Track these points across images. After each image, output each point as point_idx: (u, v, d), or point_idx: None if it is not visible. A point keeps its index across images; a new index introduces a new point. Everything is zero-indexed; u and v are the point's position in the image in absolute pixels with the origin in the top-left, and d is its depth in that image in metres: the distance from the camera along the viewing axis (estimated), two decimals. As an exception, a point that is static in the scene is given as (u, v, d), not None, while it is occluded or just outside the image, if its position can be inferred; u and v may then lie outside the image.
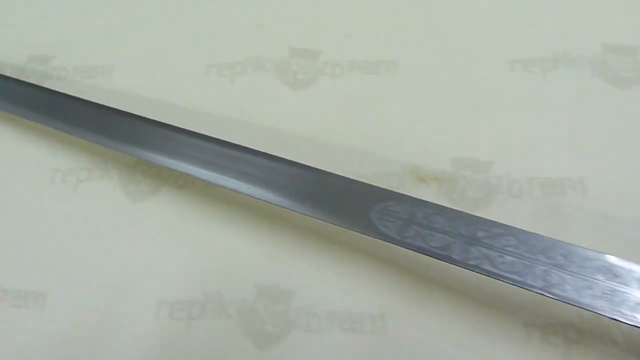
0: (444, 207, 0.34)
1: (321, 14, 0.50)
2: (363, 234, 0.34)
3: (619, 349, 0.36)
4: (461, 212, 0.34)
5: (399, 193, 0.35)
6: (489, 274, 0.32)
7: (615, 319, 0.29)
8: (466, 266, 0.33)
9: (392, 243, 0.33)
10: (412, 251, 0.33)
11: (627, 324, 0.29)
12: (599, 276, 0.30)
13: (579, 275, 0.31)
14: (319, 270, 0.40)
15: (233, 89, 0.48)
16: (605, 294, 0.30)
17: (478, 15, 0.47)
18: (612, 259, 0.31)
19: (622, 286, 0.30)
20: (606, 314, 0.29)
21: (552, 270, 0.31)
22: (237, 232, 0.42)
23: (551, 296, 0.31)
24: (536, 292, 0.31)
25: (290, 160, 0.38)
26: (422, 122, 0.44)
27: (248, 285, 0.40)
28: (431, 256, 0.33)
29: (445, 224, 0.34)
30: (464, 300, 0.38)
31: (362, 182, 0.36)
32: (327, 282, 0.39)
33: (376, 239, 0.34)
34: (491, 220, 0.33)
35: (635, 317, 0.29)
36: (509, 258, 0.32)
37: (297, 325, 0.39)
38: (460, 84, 0.45)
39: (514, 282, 0.32)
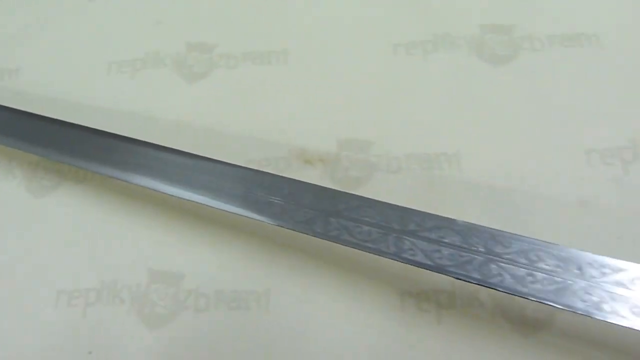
0: (309, 184, 0.36)
1: (217, 9, 0.51)
2: (238, 214, 0.36)
3: (486, 311, 0.38)
4: (325, 188, 0.35)
5: (269, 173, 0.37)
6: (347, 243, 0.34)
7: (461, 279, 0.31)
8: (328, 238, 0.34)
9: (265, 222, 0.35)
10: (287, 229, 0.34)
11: (473, 283, 0.30)
12: (449, 239, 0.32)
13: (429, 241, 0.33)
14: (207, 253, 0.41)
15: (133, 84, 0.49)
16: (453, 256, 0.32)
17: (361, 5, 0.49)
18: (462, 223, 0.32)
19: (468, 249, 0.32)
20: (453, 275, 0.31)
21: (404, 237, 0.33)
22: (131, 222, 0.43)
23: (402, 261, 0.33)
24: (389, 258, 0.33)
25: (176, 150, 0.39)
26: (310, 107, 0.46)
27: (142, 271, 0.41)
28: (296, 230, 0.34)
29: (311, 200, 0.36)
30: (343, 273, 0.39)
31: (236, 165, 0.38)
32: (216, 264, 0.41)
33: (256, 221, 0.35)
34: (350, 193, 0.35)
35: (476, 276, 0.31)
36: (365, 228, 0.34)
37: (187, 305, 0.40)
38: (347, 69, 0.47)
39: (370, 250, 0.33)
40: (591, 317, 0.29)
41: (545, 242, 0.31)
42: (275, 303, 0.39)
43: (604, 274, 0.30)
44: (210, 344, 0.39)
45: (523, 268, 0.31)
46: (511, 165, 0.41)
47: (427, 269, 0.32)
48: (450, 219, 0.32)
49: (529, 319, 0.37)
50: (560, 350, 0.36)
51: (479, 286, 0.35)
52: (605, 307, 0.29)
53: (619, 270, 0.29)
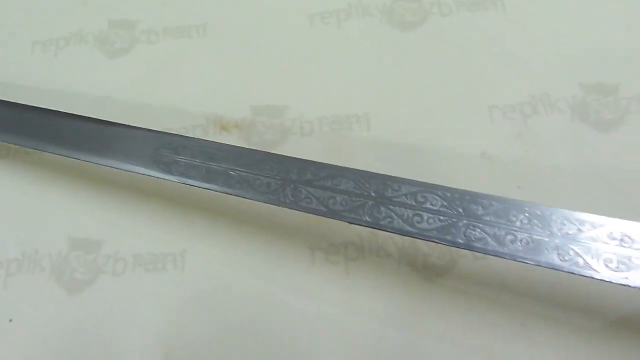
0: (215, 142, 0.37)
1: (139, -14, 0.53)
2: (147, 175, 0.37)
3: (393, 260, 0.39)
4: (234, 146, 0.36)
5: (175, 134, 0.38)
6: (247, 195, 0.35)
7: (354, 223, 0.32)
8: (230, 191, 0.35)
9: (172, 181, 0.36)
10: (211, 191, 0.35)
11: (364, 226, 0.32)
12: (344, 187, 0.33)
13: (325, 189, 0.34)
14: (126, 219, 0.42)
15: (57, 62, 0.50)
16: (346, 202, 0.33)
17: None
18: (355, 171, 0.34)
19: (360, 195, 0.33)
20: (346, 220, 0.33)
21: (301, 187, 0.34)
22: (51, 193, 0.44)
23: (299, 209, 0.34)
24: (287, 208, 0.34)
25: (87, 117, 0.40)
26: (227, 77, 0.47)
27: (62, 240, 0.42)
28: (198, 186, 0.35)
29: (220, 157, 0.37)
30: (256, 231, 0.41)
31: (144, 129, 0.39)
32: (134, 230, 0.42)
33: (172, 184, 0.36)
34: (254, 150, 0.36)
35: (367, 219, 0.33)
36: (265, 180, 0.35)
37: (105, 270, 0.41)
38: (264, 40, 0.48)
39: (269, 201, 0.35)
40: (471, 250, 0.30)
41: (433, 184, 0.32)
42: (191, 263, 0.40)
43: (482, 209, 0.31)
44: (128, 306, 0.40)
45: (411, 210, 0.32)
46: (418, 124, 0.43)
47: (322, 216, 0.33)
48: (345, 168, 0.34)
49: (433, 266, 0.38)
50: (461, 293, 0.38)
51: (387, 237, 0.37)
52: (475, 237, 0.30)
53: (492, 201, 0.31)
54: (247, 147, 0.38)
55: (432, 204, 0.32)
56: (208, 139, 0.37)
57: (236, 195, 0.35)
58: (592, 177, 0.40)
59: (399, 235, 0.33)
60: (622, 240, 0.28)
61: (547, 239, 0.29)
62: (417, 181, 0.33)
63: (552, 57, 0.44)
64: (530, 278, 0.37)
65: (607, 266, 0.28)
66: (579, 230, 0.29)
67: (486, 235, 0.30)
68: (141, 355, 0.38)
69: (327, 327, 0.38)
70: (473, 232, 0.31)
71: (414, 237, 0.32)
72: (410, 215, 0.32)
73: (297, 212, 0.34)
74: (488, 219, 0.31)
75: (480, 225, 0.31)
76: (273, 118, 0.44)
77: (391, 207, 0.33)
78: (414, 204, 0.33)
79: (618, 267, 0.28)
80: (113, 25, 0.51)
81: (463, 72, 0.44)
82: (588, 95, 0.43)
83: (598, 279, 0.28)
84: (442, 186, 0.32)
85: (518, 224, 0.30)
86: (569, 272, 0.28)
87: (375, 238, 0.39)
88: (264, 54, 0.47)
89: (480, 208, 0.32)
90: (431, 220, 0.32)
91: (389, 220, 0.33)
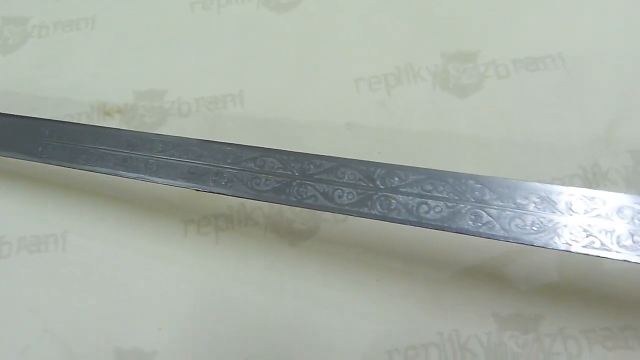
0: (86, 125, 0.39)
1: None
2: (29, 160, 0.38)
3: (260, 228, 0.41)
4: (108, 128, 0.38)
5: (49, 120, 0.40)
6: (137, 177, 0.37)
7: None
8: (124, 172, 0.37)
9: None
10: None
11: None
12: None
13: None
14: (11, 204, 0.44)
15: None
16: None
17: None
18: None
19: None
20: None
21: (260, 175, 0.34)
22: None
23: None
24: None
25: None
26: (113, 65, 0.49)
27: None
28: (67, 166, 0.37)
29: (94, 139, 0.39)
30: (133, 209, 0.43)
31: (28, 117, 0.40)
32: (18, 213, 0.44)
33: (56, 168, 0.38)
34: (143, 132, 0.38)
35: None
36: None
37: (-8, 254, 0.43)
38: (148, 29, 0.50)
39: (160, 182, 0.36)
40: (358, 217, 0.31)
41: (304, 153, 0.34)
42: (72, 243, 0.42)
43: (360, 177, 0.32)
44: (12, 287, 0.42)
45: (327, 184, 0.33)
46: (288, 99, 0.45)
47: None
48: (269, 149, 0.34)
49: (297, 231, 0.40)
50: (324, 254, 0.40)
51: (255, 207, 0.39)
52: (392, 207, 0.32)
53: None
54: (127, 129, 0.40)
55: (312, 167, 0.33)
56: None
57: (123, 176, 0.36)
58: (449, 139, 0.42)
59: (270, 205, 0.34)
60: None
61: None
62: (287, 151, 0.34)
63: (415, 29, 0.46)
64: (386, 236, 0.39)
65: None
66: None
67: (399, 206, 0.31)
68: (23, 332, 0.40)
69: (198, 293, 0.39)
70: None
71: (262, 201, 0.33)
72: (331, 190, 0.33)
73: (172, 187, 0.36)
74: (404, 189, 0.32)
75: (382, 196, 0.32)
76: (153, 101, 0.46)
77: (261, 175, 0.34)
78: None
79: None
80: (6, 21, 0.53)
81: (331, 49, 0.47)
82: (448, 63, 0.45)
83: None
84: (325, 156, 0.33)
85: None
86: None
87: (243, 208, 0.42)
88: (148, 42, 0.49)
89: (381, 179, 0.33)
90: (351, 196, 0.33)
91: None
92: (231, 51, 0.48)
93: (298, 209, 0.40)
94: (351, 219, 0.40)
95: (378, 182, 0.32)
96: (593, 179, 0.40)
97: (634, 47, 0.44)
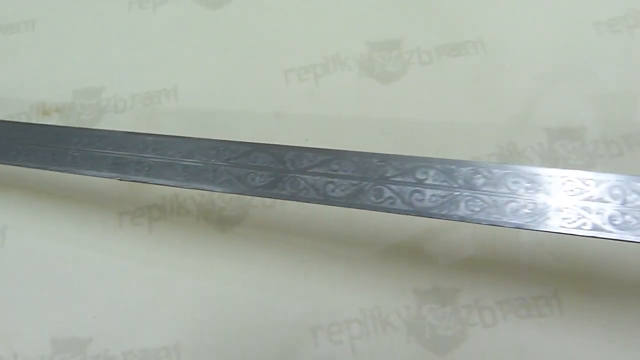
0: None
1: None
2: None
3: (192, 216, 0.43)
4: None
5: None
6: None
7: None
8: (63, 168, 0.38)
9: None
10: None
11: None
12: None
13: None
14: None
15: None
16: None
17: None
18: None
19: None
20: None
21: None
22: None
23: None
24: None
25: None
26: (52, 65, 0.50)
27: None
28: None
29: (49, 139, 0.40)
30: (70, 203, 0.44)
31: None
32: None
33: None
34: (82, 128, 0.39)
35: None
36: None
37: None
38: (86, 28, 0.51)
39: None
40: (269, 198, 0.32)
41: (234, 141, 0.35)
42: (11, 239, 0.43)
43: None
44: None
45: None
46: (220, 92, 0.47)
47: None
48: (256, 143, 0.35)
49: (226, 218, 0.42)
50: (252, 239, 0.41)
51: (187, 197, 0.40)
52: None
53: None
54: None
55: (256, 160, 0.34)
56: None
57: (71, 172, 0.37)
58: (374, 123, 0.44)
59: (202, 193, 0.35)
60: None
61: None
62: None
63: (342, 20, 0.48)
64: (315, 219, 0.41)
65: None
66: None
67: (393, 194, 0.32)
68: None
69: (131, 282, 0.41)
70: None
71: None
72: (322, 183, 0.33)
73: (108, 181, 0.37)
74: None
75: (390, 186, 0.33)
76: (91, 99, 0.47)
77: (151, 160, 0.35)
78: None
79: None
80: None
81: (262, 42, 0.48)
82: (374, 52, 0.46)
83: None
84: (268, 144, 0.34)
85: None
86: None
87: (176, 198, 0.43)
88: (87, 42, 0.51)
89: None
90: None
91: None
92: (166, 48, 0.49)
93: (228, 196, 0.41)
94: (279, 204, 0.42)
95: (288, 165, 0.34)
96: (509, 156, 0.41)
97: (549, 30, 0.45)
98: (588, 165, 0.41)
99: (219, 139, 0.35)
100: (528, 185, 0.30)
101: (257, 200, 0.41)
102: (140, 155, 0.37)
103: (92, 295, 0.41)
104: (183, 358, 0.38)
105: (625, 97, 0.43)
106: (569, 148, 0.41)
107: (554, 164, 0.41)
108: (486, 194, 0.31)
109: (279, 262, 0.40)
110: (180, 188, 0.35)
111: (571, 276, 0.38)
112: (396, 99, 0.45)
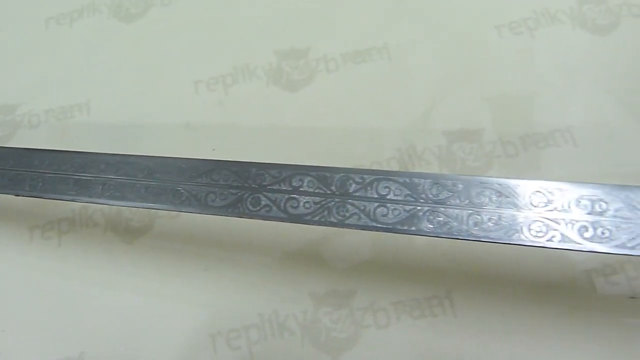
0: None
1: None
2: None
3: (99, 228, 0.43)
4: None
5: None
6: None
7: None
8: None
9: None
10: None
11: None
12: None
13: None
14: None
15: None
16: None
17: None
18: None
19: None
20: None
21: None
22: None
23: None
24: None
25: None
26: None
27: None
28: None
29: None
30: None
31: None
32: None
33: None
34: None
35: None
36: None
37: None
38: (3, 47, 0.52)
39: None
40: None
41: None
42: None
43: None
44: None
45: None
46: (132, 105, 0.47)
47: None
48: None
49: (133, 229, 0.43)
50: (157, 249, 0.42)
51: (96, 209, 0.41)
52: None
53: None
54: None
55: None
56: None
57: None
58: (280, 131, 0.45)
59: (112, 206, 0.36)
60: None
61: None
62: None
63: (252, 31, 0.49)
64: (214, 229, 0.41)
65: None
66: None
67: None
68: None
69: (40, 295, 0.42)
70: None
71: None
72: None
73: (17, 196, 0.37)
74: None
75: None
76: (6, 115, 0.48)
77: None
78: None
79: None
80: None
81: (174, 55, 0.49)
82: (282, 61, 0.47)
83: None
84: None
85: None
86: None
87: (85, 211, 0.44)
88: (3, 58, 0.51)
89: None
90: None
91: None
92: (81, 63, 0.50)
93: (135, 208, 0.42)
94: (183, 214, 0.42)
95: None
96: (409, 160, 0.42)
97: (453, 35, 0.46)
98: (485, 166, 0.42)
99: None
100: (400, 190, 0.31)
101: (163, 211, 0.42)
102: (36, 171, 0.37)
103: (1, 309, 0.41)
104: (87, 368, 0.39)
105: (523, 99, 0.44)
106: (466, 150, 0.42)
107: (452, 166, 0.42)
108: (357, 200, 0.32)
109: (181, 271, 0.41)
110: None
111: (464, 277, 0.39)
112: (303, 106, 0.46)
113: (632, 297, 0.37)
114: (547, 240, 0.28)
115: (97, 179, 0.36)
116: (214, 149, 0.44)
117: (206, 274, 0.40)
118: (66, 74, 0.50)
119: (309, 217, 0.32)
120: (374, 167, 0.43)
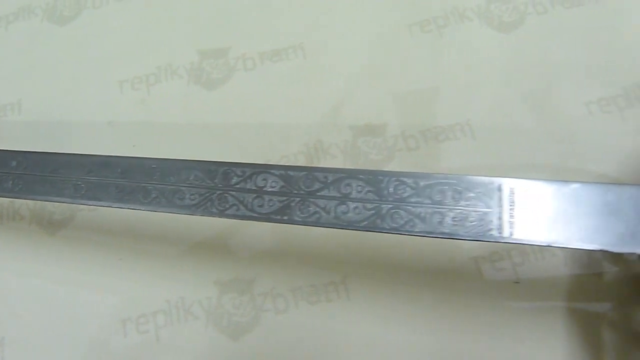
0: None
1: None
2: None
3: (25, 221, 0.46)
4: None
5: None
6: None
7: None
8: None
9: None
10: None
11: None
12: None
13: None
14: None
15: None
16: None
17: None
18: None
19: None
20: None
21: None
22: None
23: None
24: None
25: None
26: None
27: None
28: None
29: None
30: None
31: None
32: None
33: None
34: None
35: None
36: None
37: None
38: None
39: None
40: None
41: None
42: None
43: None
44: None
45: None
46: (60, 104, 0.50)
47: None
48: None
49: (55, 221, 0.45)
50: (77, 240, 0.44)
51: (22, 203, 0.44)
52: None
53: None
54: None
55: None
56: None
57: None
58: (199, 129, 0.47)
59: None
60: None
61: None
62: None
63: (176, 30, 0.51)
64: (129, 221, 0.44)
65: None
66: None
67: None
68: None
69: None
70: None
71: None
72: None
73: None
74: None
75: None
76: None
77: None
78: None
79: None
80: None
81: (102, 55, 0.51)
82: (204, 60, 0.50)
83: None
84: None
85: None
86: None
87: (12, 205, 0.46)
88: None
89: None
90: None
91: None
92: (15, 64, 0.52)
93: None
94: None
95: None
96: (315, 154, 0.45)
97: (367, 34, 0.49)
98: (387, 159, 0.44)
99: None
100: (276, 182, 0.33)
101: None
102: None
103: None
104: (7, 352, 0.42)
105: (427, 94, 0.46)
106: (370, 144, 0.45)
107: (355, 160, 0.44)
108: (237, 191, 0.34)
109: (98, 260, 0.43)
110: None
111: (359, 264, 0.41)
112: (220, 104, 0.48)
113: (516, 282, 0.39)
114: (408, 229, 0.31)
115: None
116: (134, 145, 0.47)
117: (120, 264, 0.43)
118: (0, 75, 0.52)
119: (194, 209, 0.35)
120: (283, 161, 0.45)
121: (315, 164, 0.44)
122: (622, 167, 0.41)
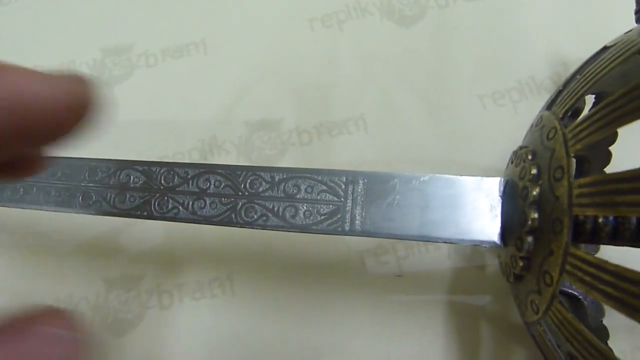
0: None
1: None
2: None
3: None
4: None
5: None
6: None
7: None
8: None
9: None
10: None
11: None
12: None
13: None
14: None
15: None
16: None
17: None
18: None
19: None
20: None
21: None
22: None
23: None
24: None
25: None
26: None
27: None
28: None
29: None
30: None
31: None
32: None
33: None
34: None
35: None
36: None
37: None
38: None
39: None
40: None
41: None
42: None
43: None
44: None
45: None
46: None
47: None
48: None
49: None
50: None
51: None
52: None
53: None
54: None
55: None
56: None
57: None
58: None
59: None
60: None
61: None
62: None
63: (80, 26, 0.51)
64: (25, 219, 0.44)
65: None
66: None
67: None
68: None
69: None
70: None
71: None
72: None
73: None
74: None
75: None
76: None
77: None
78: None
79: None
80: None
81: (6, 54, 0.51)
82: (107, 57, 0.49)
83: None
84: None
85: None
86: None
87: None
88: None
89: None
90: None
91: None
92: None
93: None
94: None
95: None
96: (209, 150, 0.45)
97: (268, 30, 0.49)
98: (280, 154, 0.44)
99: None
100: (138, 178, 0.33)
101: None
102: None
103: None
104: None
105: (323, 89, 0.46)
106: (265, 139, 0.45)
107: (249, 155, 0.44)
108: (99, 187, 0.34)
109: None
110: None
111: (247, 259, 0.41)
112: (121, 101, 0.48)
113: (398, 276, 0.40)
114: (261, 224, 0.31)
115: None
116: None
117: (11, 261, 0.43)
118: None
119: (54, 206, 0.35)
120: (177, 158, 0.45)
121: (208, 161, 0.44)
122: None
